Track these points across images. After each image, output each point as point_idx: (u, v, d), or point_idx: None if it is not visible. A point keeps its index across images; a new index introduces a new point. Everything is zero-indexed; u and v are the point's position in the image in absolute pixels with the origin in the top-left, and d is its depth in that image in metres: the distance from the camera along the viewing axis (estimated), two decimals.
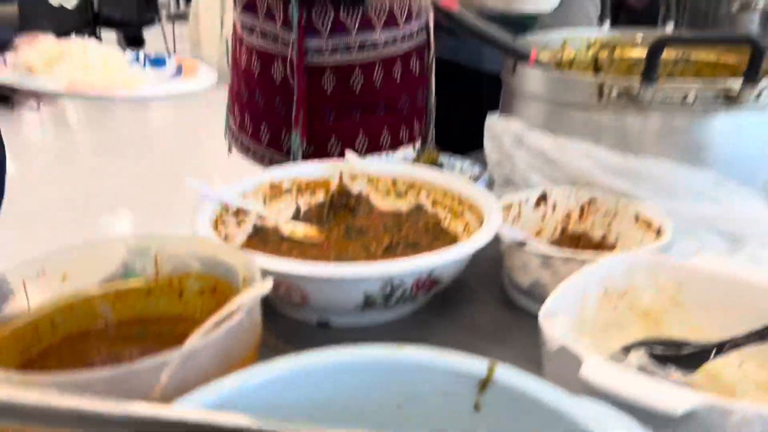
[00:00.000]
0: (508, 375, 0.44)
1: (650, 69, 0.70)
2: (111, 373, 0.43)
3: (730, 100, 0.72)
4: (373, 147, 1.18)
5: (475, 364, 0.45)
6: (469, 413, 0.45)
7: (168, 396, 0.44)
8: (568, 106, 0.79)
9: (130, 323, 0.61)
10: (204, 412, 0.38)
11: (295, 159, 1.16)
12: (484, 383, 0.44)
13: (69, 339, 0.58)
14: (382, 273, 0.61)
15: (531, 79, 0.84)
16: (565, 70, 0.97)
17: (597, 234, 0.81)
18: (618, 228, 0.79)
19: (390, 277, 0.62)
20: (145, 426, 0.35)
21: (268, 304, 0.74)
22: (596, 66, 1.02)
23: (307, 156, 1.15)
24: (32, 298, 0.56)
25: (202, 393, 0.42)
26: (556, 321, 0.53)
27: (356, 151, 1.09)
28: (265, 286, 0.49)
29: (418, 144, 1.16)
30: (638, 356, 0.53)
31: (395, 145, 1.19)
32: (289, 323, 0.71)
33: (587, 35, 1.07)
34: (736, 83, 0.73)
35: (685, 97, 0.71)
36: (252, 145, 1.26)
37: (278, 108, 1.17)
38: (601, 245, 0.79)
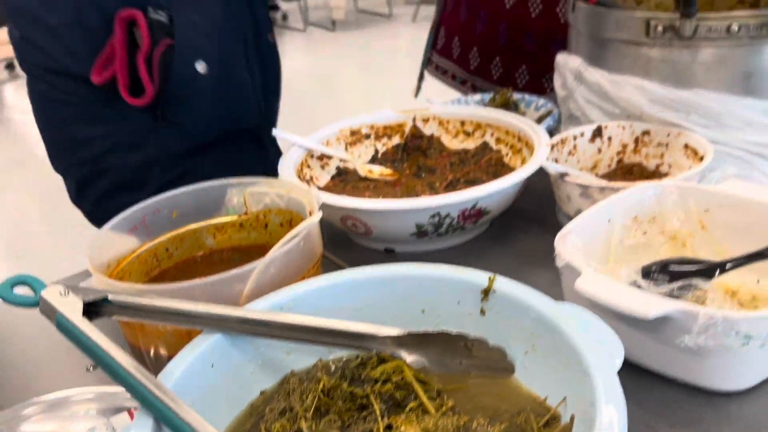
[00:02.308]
0: (505, 285, 0.53)
1: (687, 4, 0.72)
2: (208, 280, 0.57)
3: None
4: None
5: (480, 276, 0.55)
6: (477, 317, 0.55)
7: (250, 298, 0.57)
8: (619, 42, 0.82)
9: (228, 251, 0.75)
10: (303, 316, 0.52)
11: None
12: (486, 291, 0.54)
13: (181, 263, 0.74)
14: (427, 205, 0.71)
15: (583, 16, 0.87)
16: (618, 5, 0.96)
17: (651, 164, 0.85)
18: (670, 158, 0.82)
19: (435, 209, 0.72)
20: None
21: (347, 237, 0.86)
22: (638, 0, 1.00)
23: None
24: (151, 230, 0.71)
25: (276, 295, 0.55)
26: (569, 241, 0.61)
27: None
28: (317, 217, 0.61)
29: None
30: (629, 273, 0.59)
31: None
32: (363, 251, 0.83)
33: None
34: None
35: (729, 28, 0.73)
36: (456, 69, 1.31)
37: (501, 34, 1.19)
38: (655, 174, 0.83)
